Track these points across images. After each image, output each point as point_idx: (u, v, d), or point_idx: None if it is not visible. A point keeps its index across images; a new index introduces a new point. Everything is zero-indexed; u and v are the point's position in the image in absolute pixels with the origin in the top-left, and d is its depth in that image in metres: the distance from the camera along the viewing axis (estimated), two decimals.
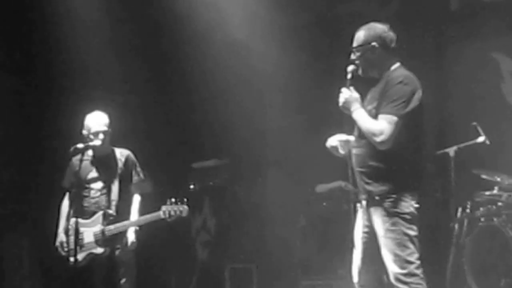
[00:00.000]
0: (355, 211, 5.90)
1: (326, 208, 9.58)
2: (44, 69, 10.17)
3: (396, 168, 5.62)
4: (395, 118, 5.55)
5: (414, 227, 5.63)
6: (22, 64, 10.12)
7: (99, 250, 7.26)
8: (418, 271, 5.58)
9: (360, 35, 5.85)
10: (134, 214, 7.38)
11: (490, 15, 9.38)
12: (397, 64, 5.83)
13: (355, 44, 5.85)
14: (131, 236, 7.31)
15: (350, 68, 5.83)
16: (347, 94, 5.76)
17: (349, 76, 5.81)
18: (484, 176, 8.47)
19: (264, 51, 10.11)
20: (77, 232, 7.11)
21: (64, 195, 7.62)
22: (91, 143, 7.32)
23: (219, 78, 10.44)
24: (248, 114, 10.44)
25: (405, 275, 5.55)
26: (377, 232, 5.67)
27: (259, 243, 10.36)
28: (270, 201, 10.45)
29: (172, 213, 7.10)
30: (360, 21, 9.89)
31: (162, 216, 7.14)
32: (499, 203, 8.31)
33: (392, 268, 5.58)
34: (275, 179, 10.41)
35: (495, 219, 8.28)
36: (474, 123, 8.35)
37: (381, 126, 5.56)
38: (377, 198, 5.64)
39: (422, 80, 5.88)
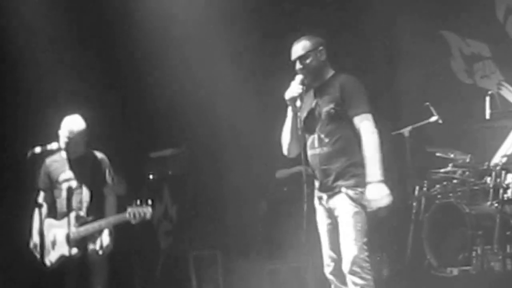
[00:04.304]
0: (310, 203, 6.17)
1: (287, 193, 9.70)
2: None
3: (358, 163, 5.99)
4: (370, 115, 5.99)
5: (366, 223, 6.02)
6: None
7: (71, 251, 7.34)
8: (369, 260, 6.00)
9: (306, 44, 6.17)
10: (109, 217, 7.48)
11: None
12: (333, 71, 6.22)
13: (302, 52, 6.14)
14: (105, 240, 7.40)
15: (299, 77, 6.12)
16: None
17: (301, 89, 6.09)
18: (438, 154, 8.71)
19: (215, 34, 10.13)
20: (41, 235, 7.26)
21: (37, 195, 7.66)
22: (48, 147, 7.37)
23: (171, 67, 10.44)
24: (202, 100, 10.42)
25: (362, 259, 5.94)
26: (340, 219, 6.02)
27: (222, 230, 10.42)
28: (230, 188, 10.50)
29: (137, 215, 7.23)
30: (308, 2, 10.12)
31: (128, 218, 7.26)
32: (454, 181, 8.57)
33: (352, 251, 5.93)
34: (235, 166, 10.47)
35: (451, 196, 8.52)
36: (427, 103, 8.57)
37: (372, 126, 5.97)
38: (343, 190, 5.99)
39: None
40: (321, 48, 6.15)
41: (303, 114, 6.20)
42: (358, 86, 6.06)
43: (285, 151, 6.35)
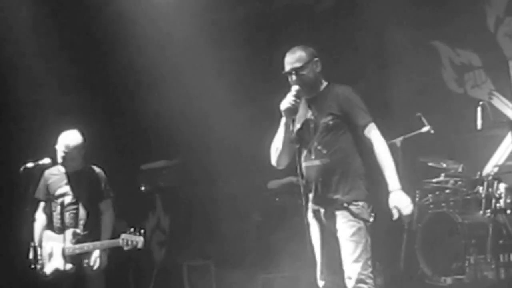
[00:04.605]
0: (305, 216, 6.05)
1: (279, 203, 9.74)
2: None
3: (356, 175, 5.91)
4: (374, 124, 5.93)
5: (369, 238, 5.91)
6: None
7: (66, 266, 7.43)
8: (373, 276, 5.90)
9: (302, 55, 6.02)
10: (105, 235, 7.55)
11: (426, 4, 9.59)
12: (326, 82, 6.11)
13: (299, 64, 5.99)
14: (100, 256, 7.49)
15: (296, 88, 5.96)
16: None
17: (297, 100, 5.94)
18: (430, 164, 8.75)
19: (204, 48, 10.16)
20: (35, 247, 7.44)
21: (38, 205, 7.73)
22: (40, 162, 7.47)
23: (163, 79, 10.49)
24: (192, 112, 10.46)
25: (366, 275, 5.83)
26: (341, 235, 5.89)
27: (215, 240, 10.45)
28: (223, 198, 10.51)
29: (129, 242, 7.35)
30: (297, 14, 10.20)
31: (121, 244, 7.39)
32: (446, 190, 8.61)
33: (355, 268, 5.82)
34: (227, 177, 10.49)
35: (443, 206, 8.56)
36: (418, 114, 8.58)
37: (380, 135, 5.92)
38: (345, 205, 5.88)
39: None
40: (316, 59, 6.03)
41: (296, 125, 6.06)
42: (357, 97, 6.00)
43: (274, 162, 6.19)
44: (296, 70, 5.99)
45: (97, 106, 10.57)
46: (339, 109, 5.95)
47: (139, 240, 7.33)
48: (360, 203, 5.87)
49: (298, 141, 6.05)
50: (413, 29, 9.63)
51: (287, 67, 6.04)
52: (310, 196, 6.06)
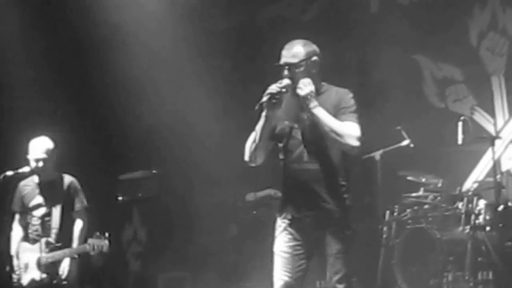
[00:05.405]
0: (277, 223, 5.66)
1: (256, 216, 9.65)
2: None
3: (345, 188, 5.56)
4: (358, 126, 5.48)
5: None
6: None
7: (41, 276, 7.41)
8: None
9: (300, 51, 5.60)
10: (75, 242, 7.49)
11: (409, 17, 9.55)
12: (324, 82, 5.70)
13: (295, 60, 5.57)
14: (68, 266, 7.42)
15: (286, 82, 5.52)
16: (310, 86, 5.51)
17: (279, 90, 5.48)
18: (409, 178, 8.66)
19: (188, 57, 10.11)
20: (11, 259, 7.47)
21: (13, 217, 7.66)
22: (20, 170, 7.41)
23: (141, 88, 10.42)
24: (173, 122, 10.38)
25: None
26: (328, 250, 5.51)
27: (191, 252, 10.38)
28: (200, 210, 10.41)
29: (95, 247, 7.30)
30: (281, 26, 10.17)
31: (88, 249, 7.33)
32: (426, 206, 8.52)
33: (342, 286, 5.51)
34: (204, 189, 10.41)
35: (422, 221, 8.46)
36: (399, 127, 8.52)
37: (358, 129, 5.45)
38: (336, 215, 5.50)
39: (345, 85, 5.80)
40: (314, 58, 5.58)
41: (284, 124, 5.61)
42: (349, 96, 5.56)
43: (247, 157, 5.66)
44: (290, 66, 5.56)
45: (77, 115, 10.49)
46: (334, 112, 5.51)
47: (104, 244, 7.27)
48: (349, 216, 5.50)
49: (286, 140, 5.61)
50: (395, 42, 9.55)
51: (282, 60, 5.61)
52: (294, 201, 5.58)
